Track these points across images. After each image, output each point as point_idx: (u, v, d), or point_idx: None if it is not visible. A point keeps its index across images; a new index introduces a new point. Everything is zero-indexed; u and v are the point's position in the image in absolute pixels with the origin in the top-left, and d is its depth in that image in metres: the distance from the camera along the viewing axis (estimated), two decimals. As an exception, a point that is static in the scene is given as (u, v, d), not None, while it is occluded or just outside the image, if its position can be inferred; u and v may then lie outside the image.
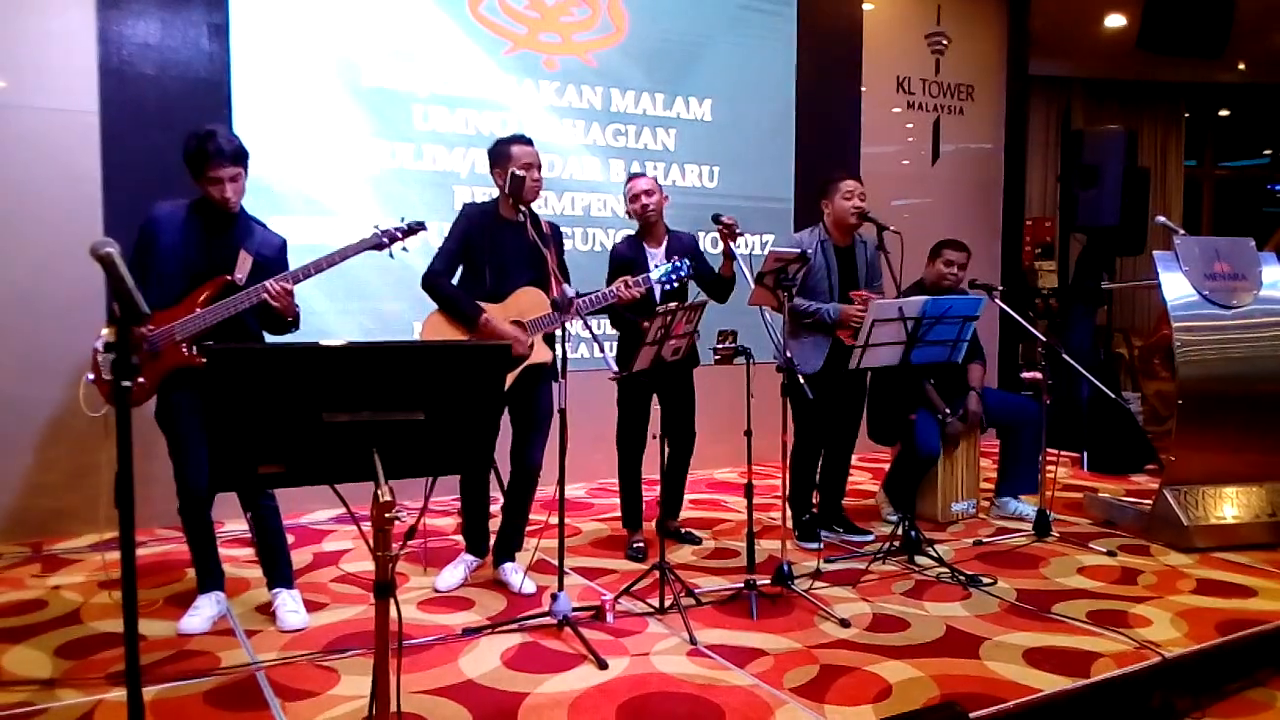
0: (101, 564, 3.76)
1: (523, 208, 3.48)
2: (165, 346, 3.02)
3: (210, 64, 4.53)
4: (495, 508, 3.81)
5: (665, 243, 4.11)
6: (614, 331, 4.26)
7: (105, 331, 3.06)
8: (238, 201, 3.13)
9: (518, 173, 3.42)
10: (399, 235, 3.26)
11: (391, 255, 3.28)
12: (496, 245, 3.58)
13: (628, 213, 4.18)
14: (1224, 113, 10.06)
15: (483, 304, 3.51)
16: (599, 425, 4.51)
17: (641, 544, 4.13)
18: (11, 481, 4.24)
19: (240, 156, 3.09)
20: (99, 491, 3.55)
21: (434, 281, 3.56)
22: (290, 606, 3.25)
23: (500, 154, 3.57)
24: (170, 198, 3.20)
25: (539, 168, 3.57)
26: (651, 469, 4.29)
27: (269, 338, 3.31)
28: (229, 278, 3.09)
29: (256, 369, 1.83)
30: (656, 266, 3.83)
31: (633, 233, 4.18)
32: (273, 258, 3.23)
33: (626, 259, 4.05)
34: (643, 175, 4.20)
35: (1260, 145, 10.65)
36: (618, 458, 4.17)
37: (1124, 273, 8.30)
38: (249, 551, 3.95)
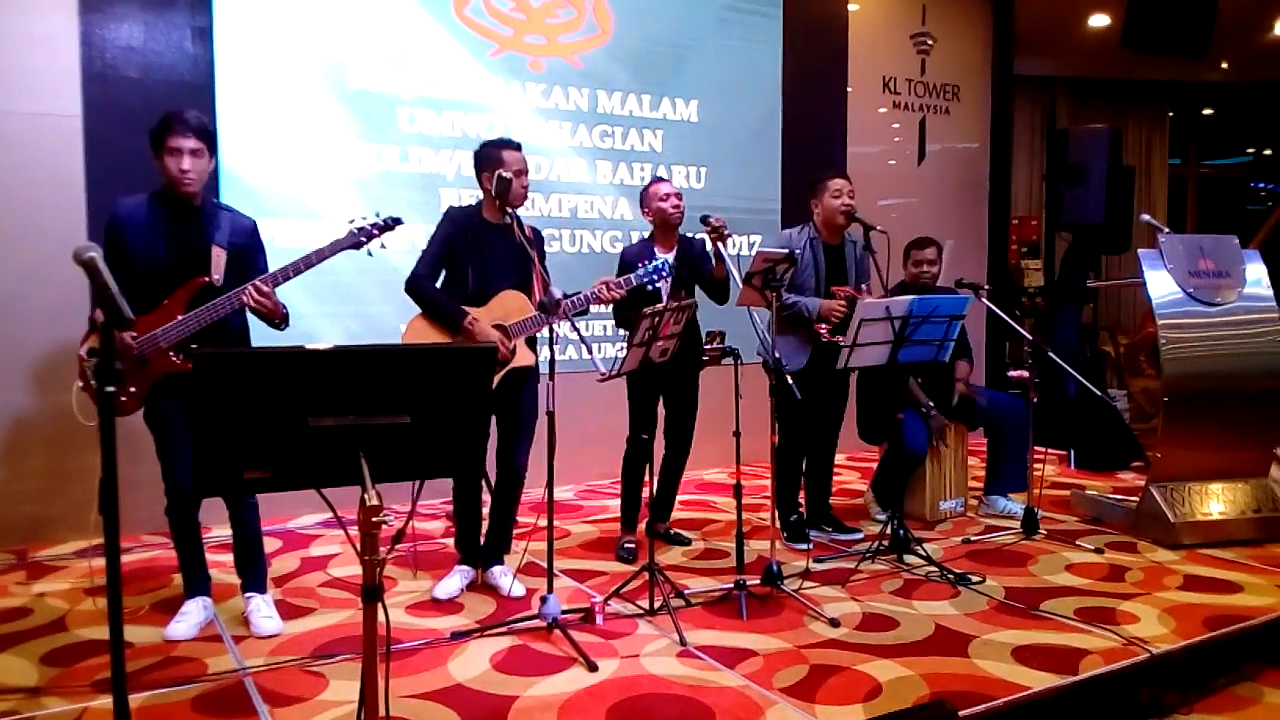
0: (87, 570, 3.73)
1: (509, 211, 3.47)
2: (152, 355, 2.99)
3: (194, 67, 4.50)
4: (485, 510, 3.80)
5: (676, 249, 4.09)
6: (603, 334, 4.26)
7: (89, 341, 3.03)
8: (196, 182, 3.05)
9: (504, 175, 3.41)
10: (375, 232, 3.21)
11: (370, 254, 3.25)
12: (480, 248, 3.57)
13: (645, 212, 4.15)
14: (1207, 111, 10.13)
15: (466, 308, 3.51)
16: (587, 427, 4.51)
17: (633, 545, 4.12)
18: (-4, 488, 4.22)
19: (205, 133, 3.05)
20: (84, 497, 3.52)
21: (417, 285, 3.55)
22: (264, 612, 3.23)
23: (489, 157, 3.55)
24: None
25: (527, 173, 3.57)
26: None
27: (255, 333, 3.30)
28: (205, 279, 3.05)
29: (242, 373, 1.82)
30: (639, 266, 3.81)
31: (646, 235, 4.18)
32: (244, 243, 3.19)
33: (636, 262, 3.98)
34: (666, 179, 4.24)
35: (1243, 144, 10.73)
36: (625, 458, 4.15)
37: (1109, 271, 8.35)
38: (236, 557, 3.94)
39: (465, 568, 3.70)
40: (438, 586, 3.61)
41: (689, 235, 4.16)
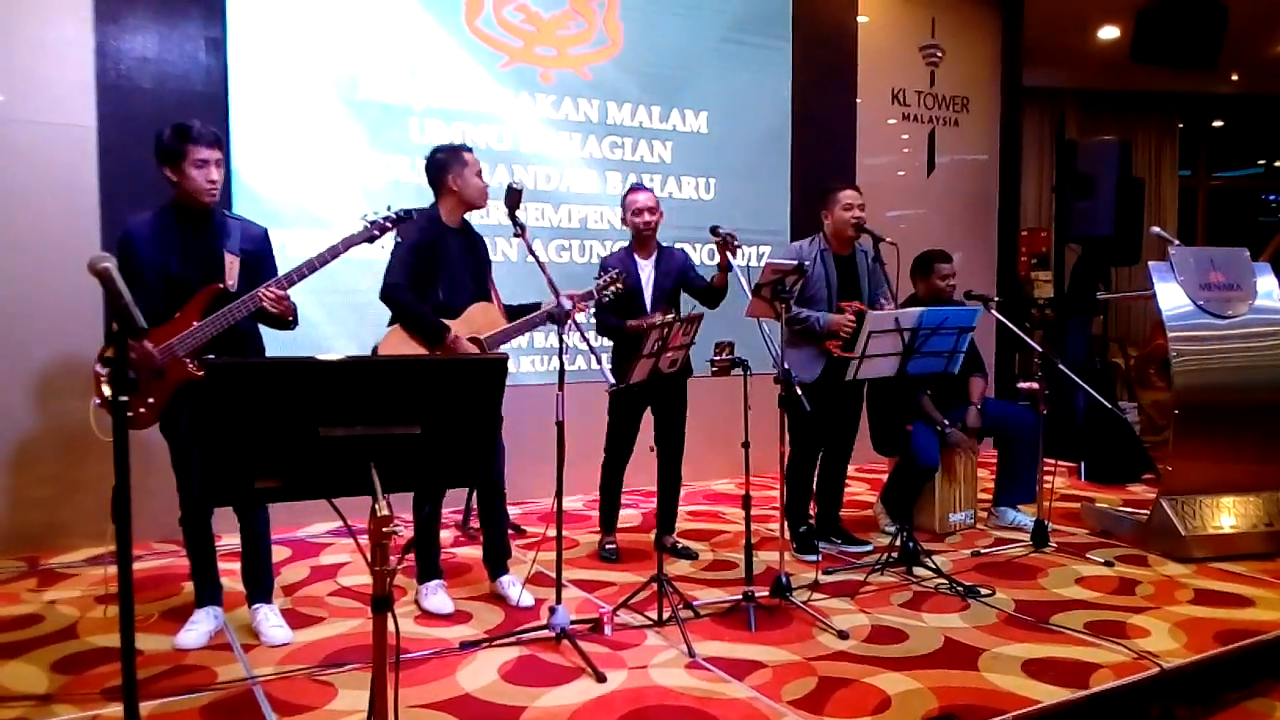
0: (103, 577, 3.74)
1: (464, 216, 3.55)
2: (168, 364, 3.00)
3: (208, 77, 4.54)
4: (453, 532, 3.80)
5: (655, 256, 4.17)
6: (610, 343, 4.27)
7: (106, 353, 3.04)
8: (218, 192, 3.09)
9: (515, 186, 3.40)
10: (389, 225, 3.23)
11: (383, 246, 3.27)
12: (446, 255, 3.51)
13: (624, 221, 4.22)
14: (1218, 123, 10.11)
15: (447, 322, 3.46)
16: (597, 437, 4.50)
17: (614, 545, 4.21)
18: (7, 495, 4.23)
19: (221, 143, 3.10)
20: (95, 505, 3.54)
21: (395, 295, 3.40)
22: (274, 622, 3.24)
23: (451, 161, 3.51)
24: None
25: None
26: (649, 480, 4.31)
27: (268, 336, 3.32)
28: (220, 286, 3.07)
29: (254, 383, 1.82)
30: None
31: (625, 244, 4.25)
32: (256, 250, 3.22)
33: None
34: (644, 189, 4.23)
35: (1254, 155, 10.70)
36: (603, 465, 4.21)
37: (1119, 283, 8.33)
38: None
39: (433, 583, 3.62)
40: (430, 601, 3.54)
41: (669, 246, 4.26)
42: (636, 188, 4.25)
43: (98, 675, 2.89)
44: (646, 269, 4.14)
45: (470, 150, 3.60)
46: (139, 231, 3.08)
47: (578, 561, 4.20)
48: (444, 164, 3.54)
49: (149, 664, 2.95)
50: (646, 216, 4.10)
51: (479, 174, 3.57)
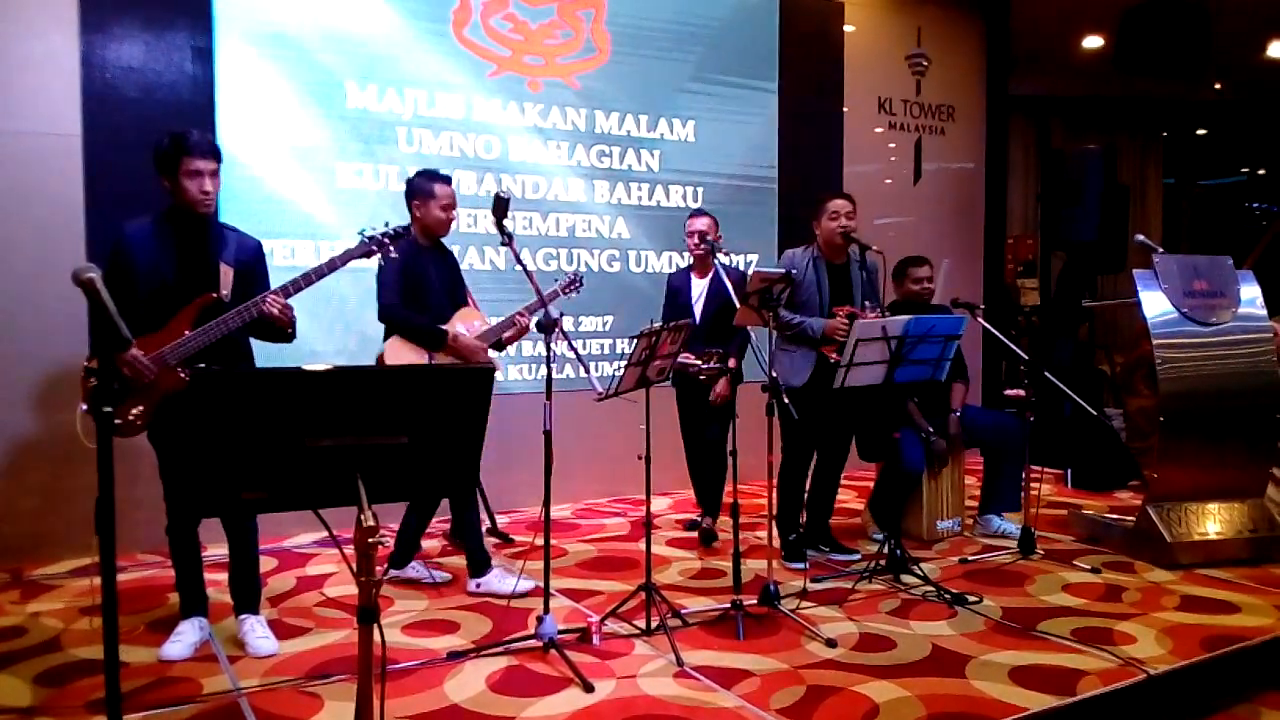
0: (83, 589, 3.72)
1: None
2: (159, 372, 2.99)
3: (194, 87, 4.52)
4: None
5: (710, 275, 4.51)
6: (600, 353, 4.30)
7: (91, 363, 3.03)
8: (213, 202, 3.10)
9: (503, 195, 3.43)
10: (386, 241, 3.26)
11: (381, 262, 3.30)
12: (426, 274, 3.75)
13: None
14: (1201, 131, 10.19)
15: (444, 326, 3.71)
16: (584, 446, 4.51)
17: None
18: (-9, 506, 4.20)
19: (218, 154, 3.11)
20: (80, 516, 3.51)
21: (393, 313, 3.69)
22: (260, 633, 3.22)
23: (421, 189, 3.77)
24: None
25: (455, 206, 3.86)
26: (637, 489, 4.31)
27: (256, 346, 3.31)
28: (214, 296, 3.06)
29: (240, 394, 1.82)
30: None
31: (687, 265, 4.70)
32: (251, 262, 3.22)
33: (674, 288, 4.69)
34: (703, 215, 4.63)
35: (1238, 163, 10.79)
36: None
37: (1104, 290, 8.37)
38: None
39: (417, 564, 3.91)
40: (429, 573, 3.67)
41: (724, 264, 4.29)
42: (695, 212, 4.68)
43: (81, 687, 2.87)
44: (699, 289, 4.59)
45: (448, 182, 3.80)
46: (135, 236, 3.07)
47: (566, 570, 4.19)
48: (410, 192, 3.81)
49: (133, 676, 2.93)
50: (695, 240, 4.50)
51: (445, 207, 3.78)
